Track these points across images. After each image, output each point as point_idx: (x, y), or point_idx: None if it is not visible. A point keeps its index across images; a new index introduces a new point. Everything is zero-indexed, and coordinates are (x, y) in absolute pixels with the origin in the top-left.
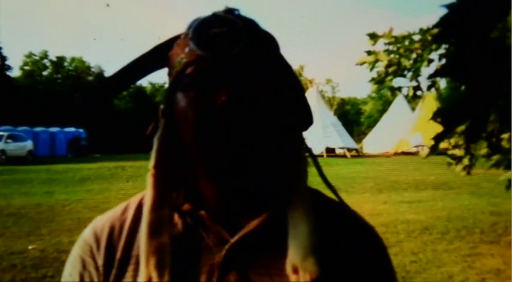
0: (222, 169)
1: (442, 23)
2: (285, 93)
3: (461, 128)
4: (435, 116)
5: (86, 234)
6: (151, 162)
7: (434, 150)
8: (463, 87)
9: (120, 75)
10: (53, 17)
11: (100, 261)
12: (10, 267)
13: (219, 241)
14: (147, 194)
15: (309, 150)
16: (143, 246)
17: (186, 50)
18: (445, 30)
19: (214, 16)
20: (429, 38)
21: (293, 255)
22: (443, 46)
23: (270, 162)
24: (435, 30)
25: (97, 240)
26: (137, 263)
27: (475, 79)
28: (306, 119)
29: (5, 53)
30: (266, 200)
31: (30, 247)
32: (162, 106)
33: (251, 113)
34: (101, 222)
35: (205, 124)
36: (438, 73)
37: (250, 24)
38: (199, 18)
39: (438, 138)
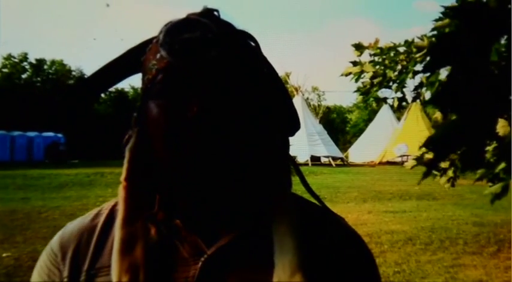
0: (193, 182)
1: (432, 50)
2: (265, 99)
3: (453, 156)
4: (427, 145)
5: (53, 243)
6: (122, 175)
7: (427, 175)
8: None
9: (92, 80)
10: (53, 17)
11: (65, 273)
12: None
13: (195, 252)
14: (119, 208)
15: (291, 158)
16: (115, 264)
17: (157, 56)
18: (435, 58)
19: (187, 20)
20: (414, 49)
21: (280, 272)
22: (427, 58)
23: (246, 173)
24: (419, 42)
25: (63, 249)
26: (107, 275)
27: (467, 108)
28: (292, 124)
29: None
30: (247, 210)
31: (4, 255)
32: (135, 114)
33: (224, 125)
34: (69, 230)
35: (175, 135)
36: (429, 101)
37: (225, 28)
38: (171, 21)
39: (430, 165)
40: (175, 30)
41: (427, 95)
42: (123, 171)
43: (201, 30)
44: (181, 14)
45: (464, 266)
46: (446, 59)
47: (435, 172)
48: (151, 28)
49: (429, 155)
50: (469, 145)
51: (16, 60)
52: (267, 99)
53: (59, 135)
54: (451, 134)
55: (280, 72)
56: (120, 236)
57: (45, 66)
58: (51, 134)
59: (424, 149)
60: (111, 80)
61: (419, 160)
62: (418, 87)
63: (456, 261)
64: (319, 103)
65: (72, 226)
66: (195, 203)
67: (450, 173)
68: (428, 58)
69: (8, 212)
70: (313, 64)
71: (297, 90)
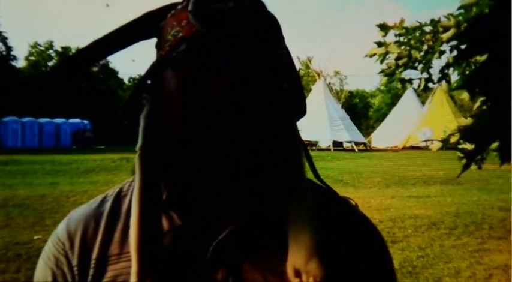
0: (209, 159)
1: (466, 34)
2: (284, 81)
3: (494, 146)
4: (464, 136)
5: (59, 231)
6: (138, 143)
7: (467, 167)
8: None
9: (105, 39)
10: (54, 17)
11: (74, 261)
12: (16, 257)
13: (206, 237)
14: (136, 178)
15: (302, 142)
16: (134, 240)
17: (183, 23)
18: (472, 45)
19: None
20: (440, 29)
21: (295, 257)
22: (454, 42)
23: (264, 154)
24: (445, 22)
25: (70, 238)
26: (118, 262)
27: (503, 93)
28: (301, 110)
29: (10, 43)
30: (260, 193)
31: (35, 238)
32: (148, 82)
33: (247, 102)
34: (75, 218)
35: (195, 108)
36: (461, 87)
37: (257, 4)
38: None
39: (470, 156)
40: None
41: (454, 76)
42: (139, 139)
43: (234, 2)
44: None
45: (490, 250)
46: (483, 45)
47: (461, 154)
48: None
49: (456, 138)
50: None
51: (42, 48)
52: (285, 81)
53: (85, 121)
54: (490, 122)
55: (302, 56)
56: (138, 206)
57: (70, 54)
58: (77, 120)
59: (449, 131)
60: (124, 42)
61: (445, 142)
62: (444, 68)
63: (481, 246)
64: (341, 88)
65: (78, 214)
66: (208, 182)
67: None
68: (456, 42)
69: (38, 196)
70: (335, 47)
71: (318, 74)
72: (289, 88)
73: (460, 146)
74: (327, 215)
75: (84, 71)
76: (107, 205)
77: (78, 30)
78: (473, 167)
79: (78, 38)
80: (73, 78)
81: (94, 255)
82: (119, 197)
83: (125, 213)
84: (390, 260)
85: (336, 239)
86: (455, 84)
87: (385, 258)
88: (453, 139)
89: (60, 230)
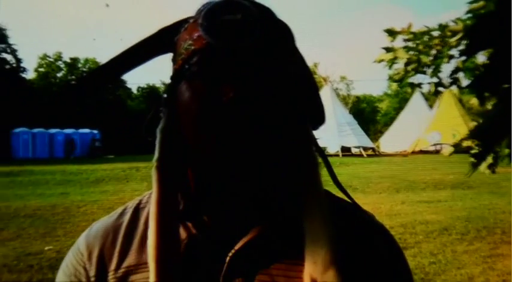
0: (223, 170)
1: (471, 33)
2: (297, 90)
3: (506, 151)
4: (474, 135)
5: (80, 242)
6: (155, 155)
7: (477, 165)
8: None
9: (122, 57)
10: (54, 17)
11: (92, 272)
12: (27, 268)
13: (222, 247)
14: (153, 190)
15: (321, 150)
16: (152, 250)
17: (195, 36)
18: (474, 41)
19: (228, 1)
20: (448, 33)
21: (312, 268)
22: (463, 42)
23: (277, 164)
24: (453, 26)
25: (89, 249)
26: (136, 273)
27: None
28: (318, 118)
29: (19, 55)
30: (275, 203)
31: (46, 248)
32: (165, 95)
33: (259, 112)
34: (95, 229)
35: (208, 120)
36: (469, 86)
37: (266, 13)
38: (211, 2)
39: (479, 157)
40: (216, 11)
41: (465, 81)
42: (156, 152)
43: (242, 13)
44: (180, 14)
45: (503, 255)
46: (485, 41)
47: (473, 160)
48: (151, 28)
49: (468, 142)
50: None
51: (51, 59)
52: (299, 89)
53: (95, 131)
54: (499, 121)
55: (308, 63)
56: (156, 218)
57: (79, 65)
58: (87, 130)
59: (462, 136)
60: (140, 59)
61: (457, 147)
62: (454, 72)
63: (494, 251)
64: (348, 93)
65: (98, 225)
66: (224, 192)
67: (490, 159)
68: (465, 41)
69: (48, 206)
70: (341, 52)
71: (325, 80)
72: (304, 96)
73: (472, 152)
74: (346, 226)
75: (101, 89)
76: (126, 217)
77: (86, 40)
78: (487, 171)
79: (87, 49)
80: (89, 95)
81: (112, 266)
82: (137, 209)
83: (143, 225)
84: (409, 274)
85: (355, 251)
86: (466, 90)
87: (404, 273)
88: (465, 144)
89: (81, 240)
